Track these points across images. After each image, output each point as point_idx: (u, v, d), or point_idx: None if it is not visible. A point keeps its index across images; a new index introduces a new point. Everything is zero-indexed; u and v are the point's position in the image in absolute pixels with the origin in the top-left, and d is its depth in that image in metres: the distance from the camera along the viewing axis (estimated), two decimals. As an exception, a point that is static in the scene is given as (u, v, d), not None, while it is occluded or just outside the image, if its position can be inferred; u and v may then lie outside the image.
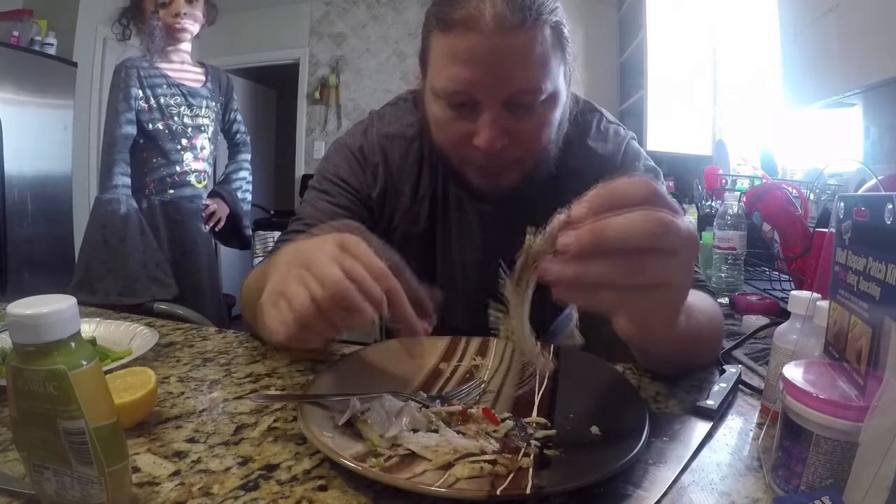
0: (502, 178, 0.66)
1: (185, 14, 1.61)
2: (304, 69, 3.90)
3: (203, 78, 1.77)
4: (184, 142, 1.68)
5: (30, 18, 2.56)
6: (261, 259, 1.89)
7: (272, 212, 4.07)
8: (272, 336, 0.43)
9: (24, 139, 2.38)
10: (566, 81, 0.65)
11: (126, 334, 0.68)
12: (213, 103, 1.77)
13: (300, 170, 3.95)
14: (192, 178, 1.71)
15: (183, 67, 1.72)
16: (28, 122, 2.41)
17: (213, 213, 1.79)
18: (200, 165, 1.74)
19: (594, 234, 0.34)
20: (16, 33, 2.46)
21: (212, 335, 0.74)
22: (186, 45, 1.71)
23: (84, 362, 0.31)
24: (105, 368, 0.52)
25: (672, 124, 2.61)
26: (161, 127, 1.63)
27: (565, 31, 0.62)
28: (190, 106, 1.69)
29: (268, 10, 3.92)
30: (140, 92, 1.59)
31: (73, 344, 0.31)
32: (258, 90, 4.72)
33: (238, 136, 1.94)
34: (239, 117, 1.93)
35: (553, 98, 0.62)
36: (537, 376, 0.55)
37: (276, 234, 3.37)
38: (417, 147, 0.76)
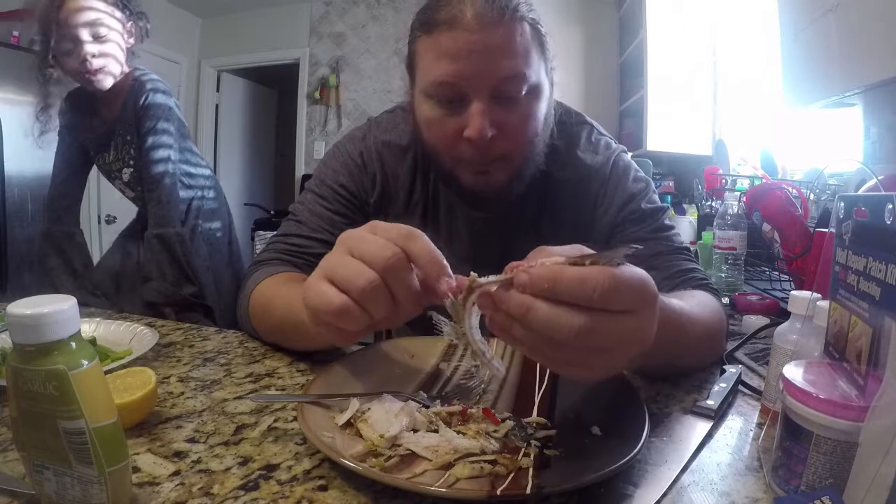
0: (493, 176, 0.66)
1: (94, 56, 1.22)
2: (304, 69, 3.90)
3: (111, 118, 1.34)
4: (113, 184, 1.43)
5: (30, 18, 2.56)
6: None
7: (272, 212, 4.08)
8: (317, 315, 0.39)
9: (24, 139, 2.38)
10: (548, 79, 0.67)
11: (126, 334, 0.68)
12: (124, 142, 1.34)
13: (300, 170, 3.95)
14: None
15: (96, 110, 1.36)
16: (28, 122, 2.41)
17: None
18: (136, 204, 1.44)
19: (553, 273, 0.33)
20: (16, 33, 2.45)
21: (212, 335, 0.74)
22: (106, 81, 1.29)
23: (84, 362, 0.31)
24: (105, 368, 0.52)
25: (672, 124, 2.61)
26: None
27: (543, 30, 0.64)
28: (101, 154, 1.38)
29: (268, 10, 3.92)
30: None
31: (73, 344, 0.31)
32: (258, 90, 4.72)
33: (151, 184, 1.30)
34: (157, 150, 1.30)
35: (536, 91, 0.64)
36: (536, 376, 0.55)
37: (276, 234, 3.36)
38: (412, 156, 0.77)
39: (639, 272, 0.34)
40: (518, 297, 0.34)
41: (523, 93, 0.62)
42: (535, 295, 0.33)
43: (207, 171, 1.45)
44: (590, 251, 0.35)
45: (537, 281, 0.33)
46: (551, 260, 0.34)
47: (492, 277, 0.36)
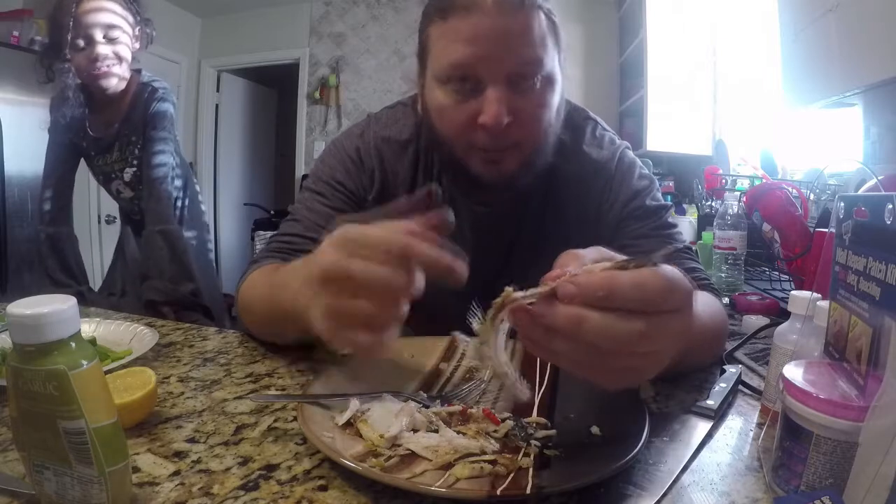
0: (504, 164, 0.65)
1: (106, 57, 1.25)
2: (304, 69, 3.89)
3: (115, 120, 1.36)
4: (107, 185, 1.45)
5: (30, 18, 2.56)
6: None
7: (272, 212, 4.08)
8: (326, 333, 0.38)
9: (24, 139, 2.38)
10: (561, 70, 0.67)
11: (126, 334, 0.68)
12: (128, 142, 1.36)
13: (300, 170, 3.95)
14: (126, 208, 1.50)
15: (96, 110, 1.37)
16: (28, 122, 2.40)
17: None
18: (125, 204, 1.48)
19: (608, 280, 0.31)
20: (16, 33, 2.45)
21: (212, 335, 0.74)
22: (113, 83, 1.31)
23: (84, 362, 0.31)
24: (105, 368, 0.52)
25: (672, 124, 2.61)
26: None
27: (556, 20, 0.64)
28: (102, 155, 1.40)
29: (268, 10, 3.92)
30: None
31: (73, 344, 0.31)
32: (258, 90, 4.72)
33: (155, 188, 1.32)
34: (160, 155, 1.34)
35: (550, 80, 0.64)
36: (536, 377, 0.55)
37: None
38: (413, 150, 0.76)
39: (678, 271, 0.34)
40: (566, 309, 0.32)
41: (538, 81, 0.62)
42: (584, 305, 0.32)
43: (181, 182, 1.47)
44: (613, 253, 0.35)
45: (589, 290, 0.31)
46: (599, 266, 0.33)
47: (529, 291, 0.34)
